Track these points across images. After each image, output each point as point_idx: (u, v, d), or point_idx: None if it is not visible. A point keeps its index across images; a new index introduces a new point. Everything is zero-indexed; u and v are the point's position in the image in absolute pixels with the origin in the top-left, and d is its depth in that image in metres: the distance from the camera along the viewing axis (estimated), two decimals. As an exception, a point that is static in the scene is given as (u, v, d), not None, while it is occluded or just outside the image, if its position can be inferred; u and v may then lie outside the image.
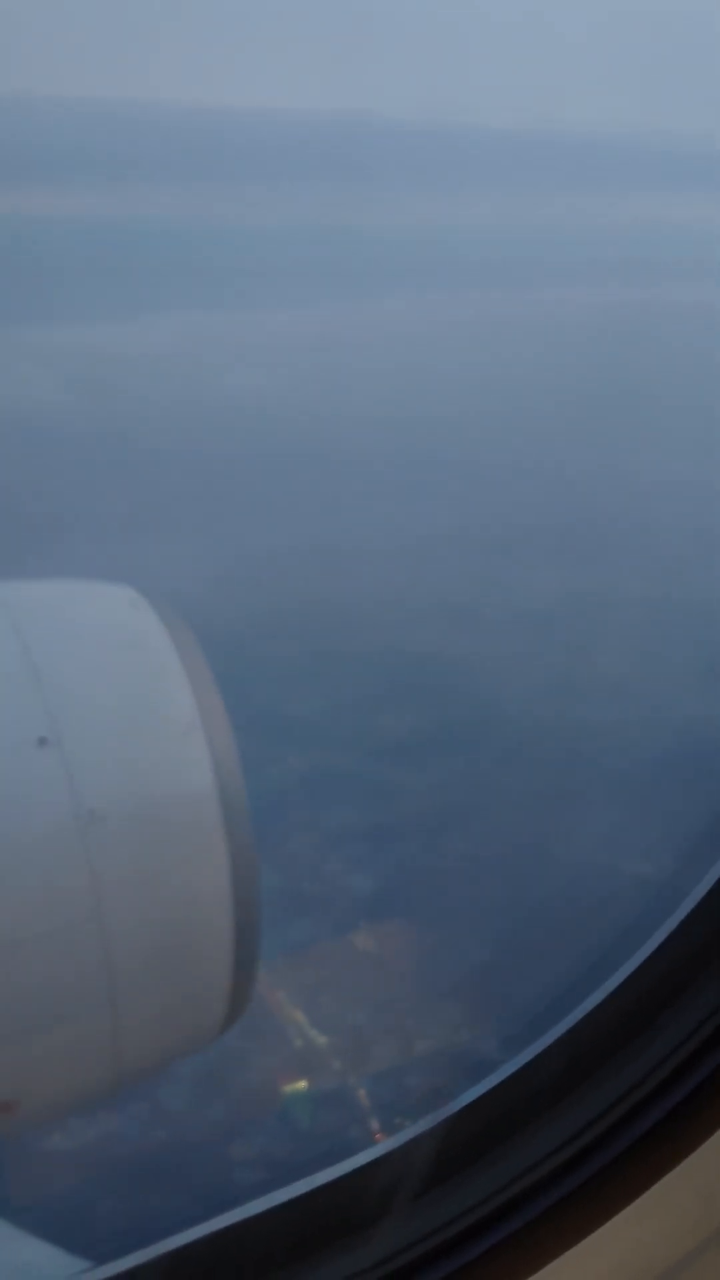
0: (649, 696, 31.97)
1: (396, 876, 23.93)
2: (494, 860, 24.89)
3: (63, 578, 2.54)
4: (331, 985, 20.65)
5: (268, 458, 54.16)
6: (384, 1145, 1.63)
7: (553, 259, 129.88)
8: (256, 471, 52.39)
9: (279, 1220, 1.53)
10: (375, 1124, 18.68)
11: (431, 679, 33.52)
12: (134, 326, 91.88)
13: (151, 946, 2.08)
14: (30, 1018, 2.00)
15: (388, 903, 23.15)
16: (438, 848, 25.34)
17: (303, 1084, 19.35)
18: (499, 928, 22.26)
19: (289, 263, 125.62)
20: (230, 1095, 18.63)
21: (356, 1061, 19.69)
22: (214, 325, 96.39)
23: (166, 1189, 16.48)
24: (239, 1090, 18.82)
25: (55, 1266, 2.26)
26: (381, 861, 23.99)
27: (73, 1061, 2.08)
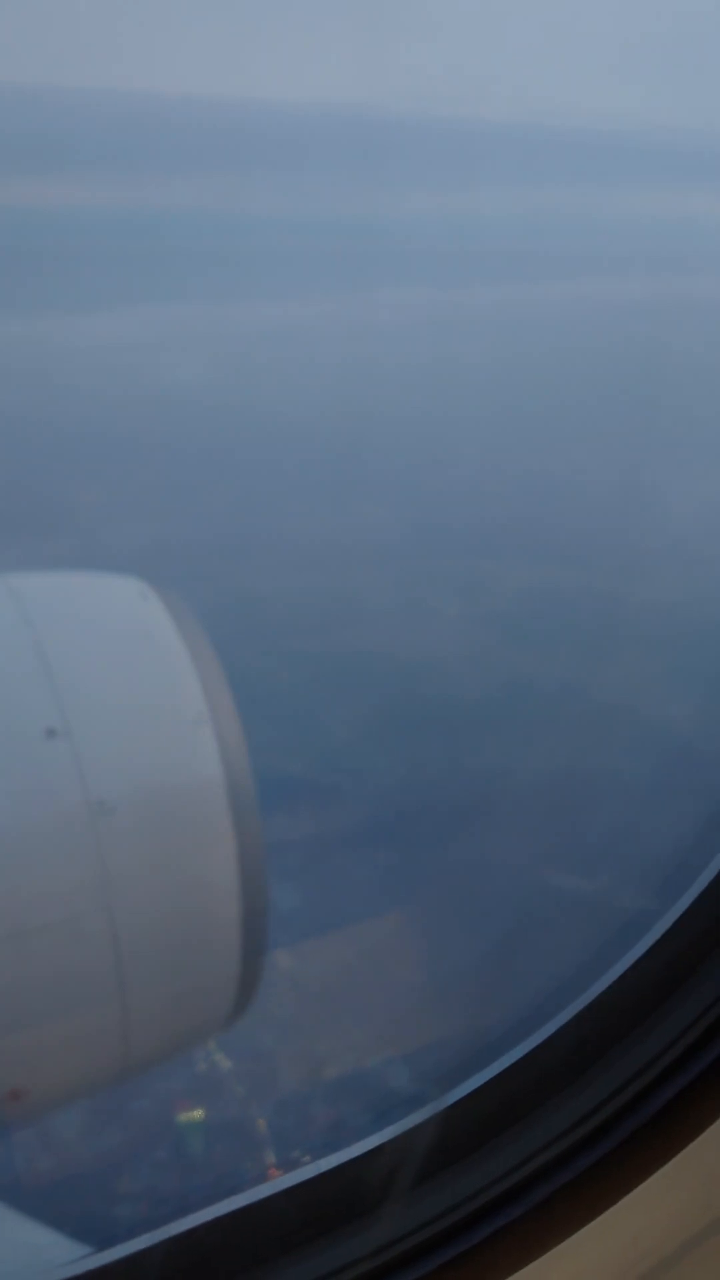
0: (620, 699, 32.29)
1: (325, 891, 23.80)
2: (434, 875, 24.96)
3: (72, 570, 2.64)
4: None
5: (264, 448, 53.96)
6: (384, 1133, 1.72)
7: (562, 252, 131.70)
8: (250, 463, 52.18)
9: (280, 1206, 1.61)
10: (272, 1157, 18.60)
11: (388, 681, 33.52)
12: (137, 316, 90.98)
13: (160, 935, 2.18)
14: (40, 1006, 2.08)
15: (311, 920, 23.03)
16: (374, 860, 25.28)
17: (198, 1113, 19.18)
18: (433, 950, 22.35)
19: (294, 253, 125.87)
20: (124, 1124, 18.34)
21: (260, 1089, 19.60)
22: (215, 316, 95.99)
23: (42, 1222, 16.08)
24: (133, 1118, 18.54)
25: (55, 1249, 2.32)
26: (311, 874, 23.85)
27: (82, 1049, 2.16)
